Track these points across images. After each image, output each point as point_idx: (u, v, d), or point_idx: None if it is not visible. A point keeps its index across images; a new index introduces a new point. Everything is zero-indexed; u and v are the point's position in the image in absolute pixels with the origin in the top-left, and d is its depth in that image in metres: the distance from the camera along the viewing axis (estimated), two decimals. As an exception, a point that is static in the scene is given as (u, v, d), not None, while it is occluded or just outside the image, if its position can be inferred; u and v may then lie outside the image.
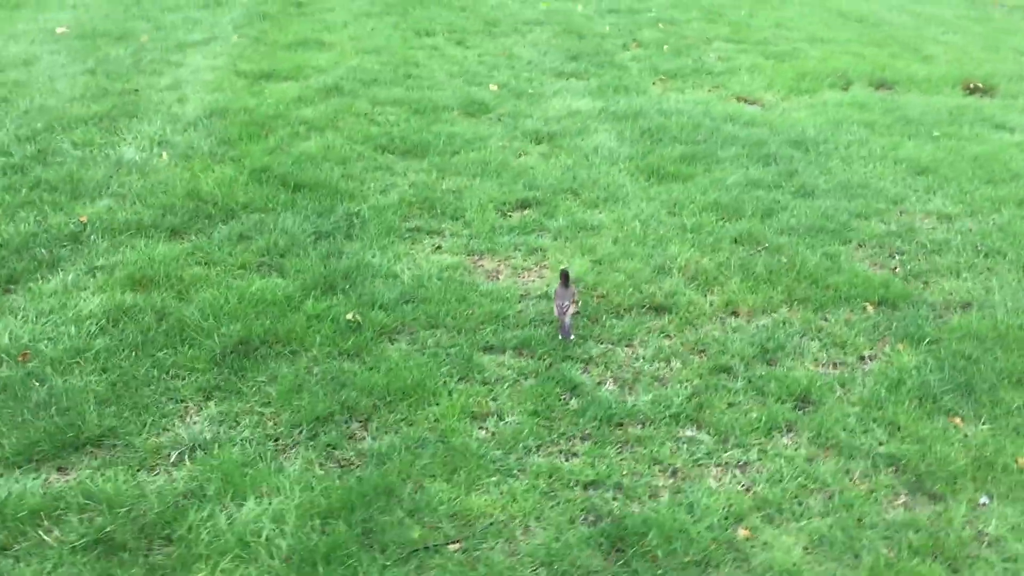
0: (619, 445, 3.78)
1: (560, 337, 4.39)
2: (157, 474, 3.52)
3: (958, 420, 3.95)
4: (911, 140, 7.12)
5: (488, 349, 4.35)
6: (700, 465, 3.71)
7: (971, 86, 8.95)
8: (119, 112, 6.84)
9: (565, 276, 4.45)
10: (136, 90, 7.34)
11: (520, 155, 6.54)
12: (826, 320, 4.67)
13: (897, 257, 5.30)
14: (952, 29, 11.74)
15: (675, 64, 9.05)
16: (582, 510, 3.45)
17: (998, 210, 5.89)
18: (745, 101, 8.19)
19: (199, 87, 7.46)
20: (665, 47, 9.63)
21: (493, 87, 7.94)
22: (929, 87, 8.81)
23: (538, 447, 3.75)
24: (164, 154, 6.11)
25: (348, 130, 6.72)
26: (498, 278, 4.95)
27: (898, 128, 7.40)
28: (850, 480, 3.62)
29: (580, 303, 4.59)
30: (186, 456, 3.60)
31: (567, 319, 4.39)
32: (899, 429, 3.87)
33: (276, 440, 3.73)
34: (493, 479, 3.57)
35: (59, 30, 9.09)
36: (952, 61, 9.86)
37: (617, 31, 10.25)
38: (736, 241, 5.36)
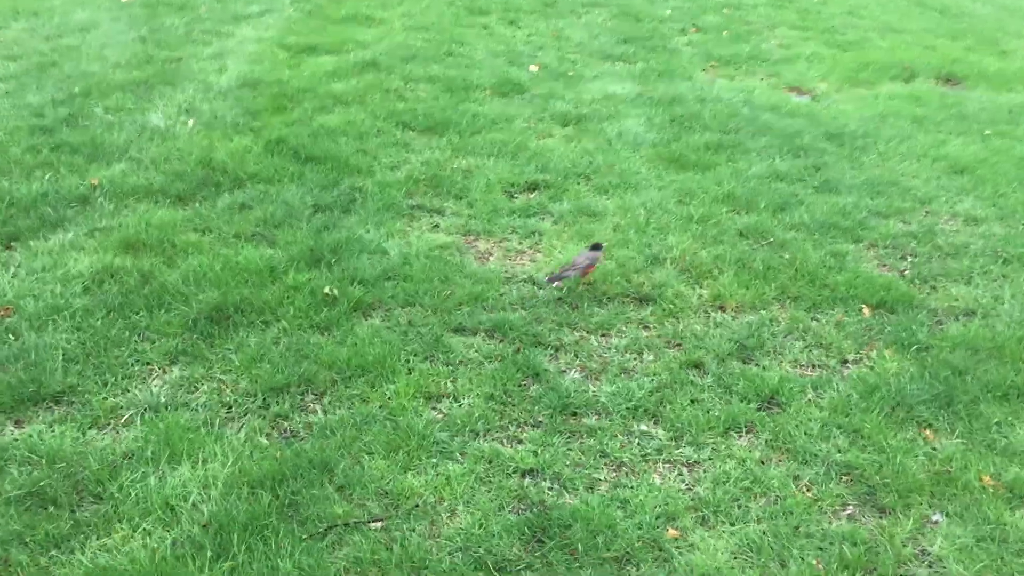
0: (568, 435, 3.72)
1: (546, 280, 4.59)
2: (106, 433, 3.61)
3: (929, 432, 3.75)
4: (959, 137, 6.78)
5: (460, 330, 4.32)
6: (648, 461, 3.62)
7: (1046, 84, 8.49)
8: (157, 80, 7.01)
9: (597, 246, 4.60)
10: (179, 59, 7.51)
11: (543, 137, 6.47)
12: (816, 320, 4.49)
13: (909, 259, 5.06)
14: (1041, 23, 11.16)
15: (731, 50, 8.82)
16: (514, 498, 3.40)
17: (1032, 215, 5.57)
18: (797, 91, 7.94)
19: (241, 58, 7.59)
20: (725, 32, 9.41)
21: (534, 68, 7.87)
22: (1000, 83, 8.41)
23: (486, 431, 3.72)
24: (190, 122, 6.24)
25: (374, 105, 6.75)
26: (488, 260, 4.92)
27: (949, 124, 7.06)
28: (797, 487, 3.49)
29: (589, 277, 4.61)
30: (137, 418, 3.68)
31: (569, 272, 4.50)
32: (862, 437, 3.71)
33: (229, 407, 3.78)
34: (432, 460, 3.55)
35: (125, -2, 9.38)
36: (1031, 57, 9.38)
37: (679, 15, 10.05)
38: (742, 234, 5.21)
